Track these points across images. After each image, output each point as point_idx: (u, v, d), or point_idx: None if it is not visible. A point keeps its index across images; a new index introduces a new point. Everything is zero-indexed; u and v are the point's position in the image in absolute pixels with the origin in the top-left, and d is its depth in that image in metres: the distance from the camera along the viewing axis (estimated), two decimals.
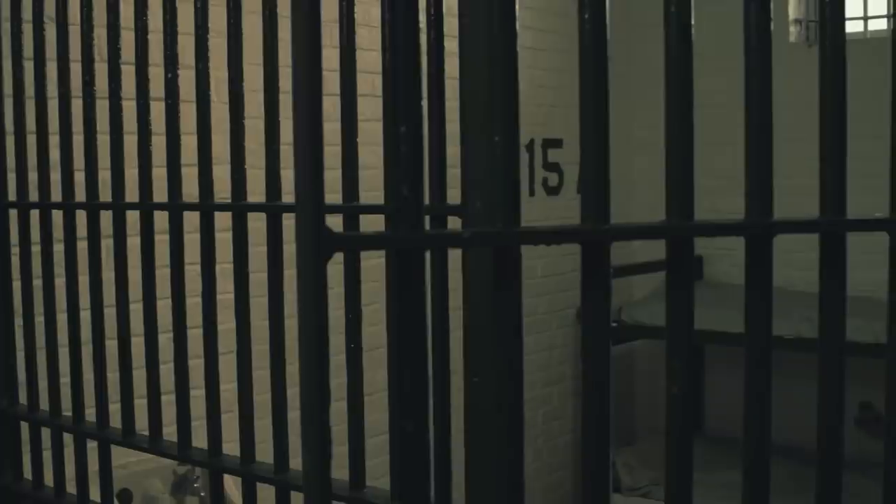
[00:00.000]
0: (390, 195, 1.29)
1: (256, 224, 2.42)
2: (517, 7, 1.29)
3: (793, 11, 6.83)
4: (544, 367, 6.72)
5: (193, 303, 2.51)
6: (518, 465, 1.35)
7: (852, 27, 6.89)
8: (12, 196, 2.91)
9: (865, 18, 6.80)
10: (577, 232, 1.36)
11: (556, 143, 6.63)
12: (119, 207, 2.64)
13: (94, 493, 2.76)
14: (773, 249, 1.47)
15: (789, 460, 5.20)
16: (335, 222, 2.18)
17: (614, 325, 6.27)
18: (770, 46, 1.45)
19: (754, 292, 1.47)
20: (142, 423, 2.65)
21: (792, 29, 6.81)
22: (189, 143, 2.47)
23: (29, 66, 2.77)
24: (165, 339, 2.56)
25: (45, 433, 2.87)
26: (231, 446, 2.50)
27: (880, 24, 6.61)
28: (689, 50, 1.40)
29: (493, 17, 1.28)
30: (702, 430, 7.20)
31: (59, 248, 2.78)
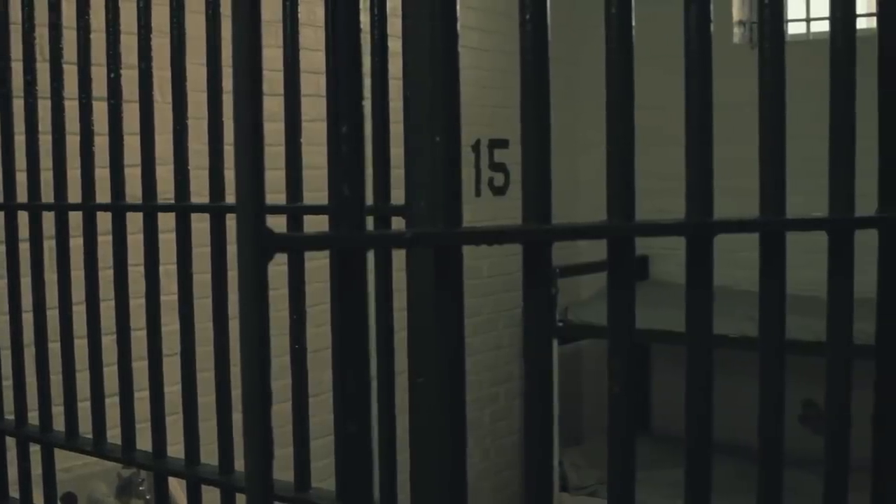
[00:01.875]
0: (332, 195, 1.29)
1: (200, 225, 2.40)
2: (458, 8, 1.29)
3: (737, 13, 6.89)
4: (491, 367, 6.74)
5: (137, 304, 2.49)
6: (461, 464, 1.35)
7: (795, 28, 6.96)
8: None
9: (808, 20, 6.87)
10: (519, 232, 1.36)
11: (502, 144, 6.65)
12: (61, 208, 2.61)
13: (38, 497, 2.74)
14: (713, 249, 1.48)
15: (737, 459, 5.25)
16: (279, 223, 2.18)
17: (561, 324, 6.32)
18: (710, 47, 1.46)
19: (695, 291, 1.48)
20: (85, 426, 2.63)
21: (736, 30, 6.86)
22: (132, 144, 2.46)
23: None
24: (109, 341, 2.54)
25: None
26: (176, 448, 2.49)
27: (823, 26, 6.68)
28: (629, 51, 1.41)
29: (434, 18, 1.28)
30: (648, 430, 7.24)
31: None
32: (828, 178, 1.58)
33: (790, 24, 6.94)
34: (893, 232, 1.58)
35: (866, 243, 1.63)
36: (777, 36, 1.52)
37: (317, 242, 1.33)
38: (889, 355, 1.59)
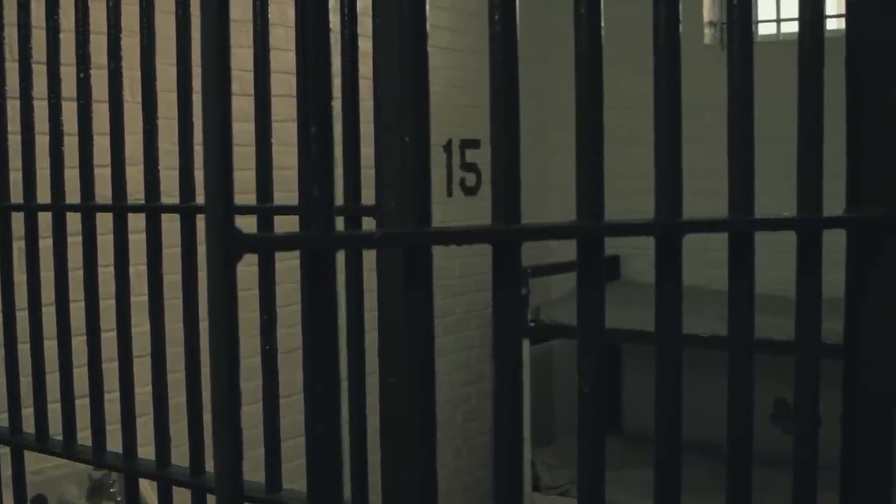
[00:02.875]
0: (302, 196, 1.29)
1: (171, 225, 2.40)
2: (428, 8, 1.29)
3: (707, 14, 6.91)
4: (463, 367, 6.74)
5: (107, 305, 2.48)
6: (431, 464, 1.35)
7: (765, 29, 6.99)
8: None
9: (778, 21, 6.90)
10: (488, 232, 1.36)
11: (473, 144, 6.65)
12: (30, 209, 2.60)
13: (8, 499, 2.72)
14: (682, 249, 1.48)
15: (708, 458, 5.26)
16: (250, 223, 2.18)
17: (532, 324, 6.32)
18: (679, 47, 1.47)
19: (664, 291, 1.49)
20: (56, 428, 2.62)
21: (707, 31, 6.89)
22: (102, 144, 2.45)
23: None
24: (79, 342, 2.53)
25: None
26: (147, 450, 2.48)
27: (794, 27, 6.70)
28: (598, 51, 1.41)
29: (403, 19, 1.28)
30: (620, 429, 7.26)
31: None
32: (796, 178, 1.59)
33: (761, 25, 6.97)
34: (861, 232, 1.59)
35: (836, 243, 1.64)
36: (745, 37, 1.53)
37: (286, 243, 1.32)
38: (857, 354, 1.60)
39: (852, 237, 1.60)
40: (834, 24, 6.35)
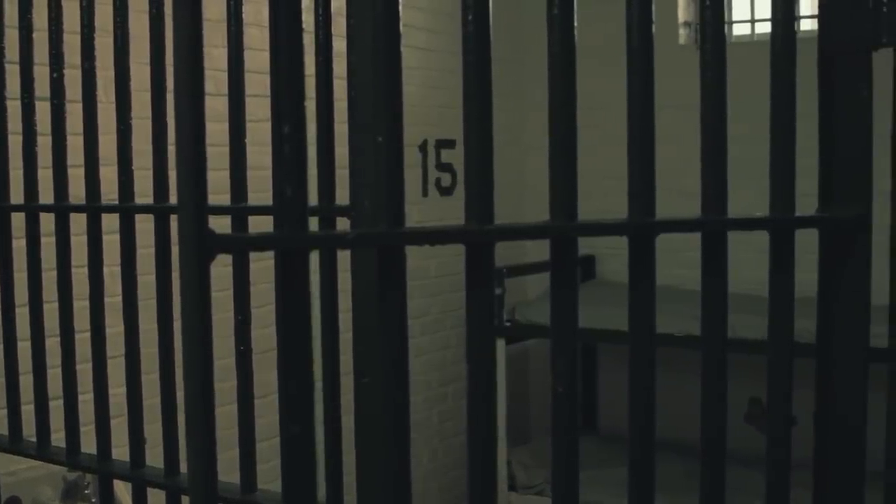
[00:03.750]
0: (276, 196, 1.29)
1: (145, 226, 2.39)
2: (401, 9, 1.29)
3: (682, 14, 6.93)
4: (438, 366, 6.74)
5: (81, 306, 2.47)
6: (405, 464, 1.35)
7: (740, 30, 7.01)
8: None
9: (753, 21, 6.93)
10: (461, 232, 1.37)
11: (449, 144, 6.65)
12: (3, 210, 2.59)
13: None
14: (655, 248, 1.49)
15: (684, 457, 5.28)
16: (224, 223, 2.17)
17: (508, 324, 6.33)
18: (652, 48, 1.47)
19: (638, 290, 1.49)
20: (29, 429, 2.60)
21: (682, 31, 6.90)
22: (76, 144, 2.44)
23: None
24: (53, 343, 2.52)
25: None
26: (121, 451, 2.47)
27: (768, 27, 6.72)
28: (571, 51, 1.42)
29: (377, 19, 1.28)
30: (595, 429, 7.27)
31: None
32: (768, 178, 1.59)
33: (736, 26, 6.99)
34: (833, 231, 1.60)
35: (810, 242, 1.65)
36: (718, 37, 1.54)
37: (259, 243, 1.32)
38: (829, 353, 1.61)
39: (825, 237, 1.61)
40: (808, 25, 6.38)
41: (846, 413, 1.60)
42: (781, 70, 1.57)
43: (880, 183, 1.60)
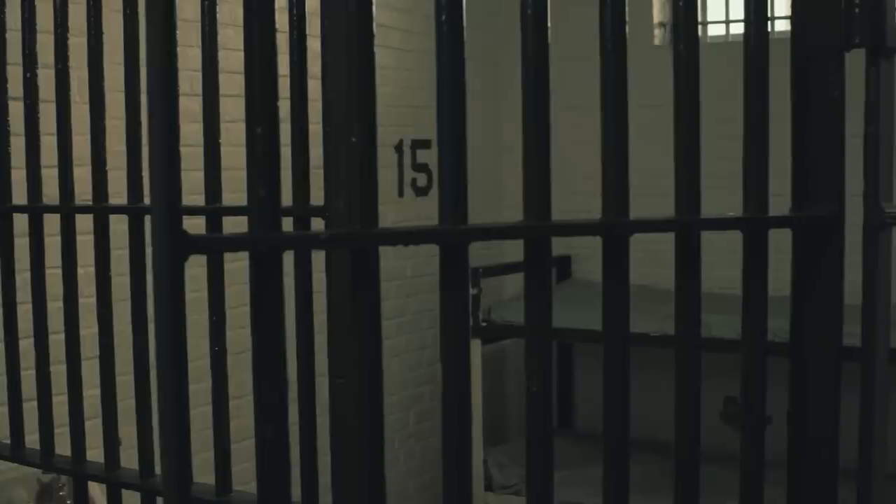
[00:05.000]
0: (249, 196, 1.29)
1: (119, 226, 2.38)
2: (374, 8, 1.29)
3: (657, 15, 6.94)
4: (415, 367, 6.73)
5: (55, 307, 2.46)
6: (379, 464, 1.36)
7: (715, 31, 7.03)
8: None
9: (727, 22, 6.95)
10: (435, 233, 1.37)
11: (425, 144, 6.64)
12: None
13: None
14: (629, 248, 1.49)
15: (661, 456, 5.29)
16: (199, 224, 2.17)
17: (484, 324, 6.33)
18: (625, 48, 1.48)
19: (612, 290, 1.50)
20: (3, 431, 2.59)
21: (657, 32, 6.92)
22: (49, 144, 2.42)
23: None
24: (27, 345, 2.50)
25: None
26: (96, 453, 2.46)
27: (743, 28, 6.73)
28: (544, 51, 1.42)
29: (350, 19, 1.28)
30: (572, 428, 7.28)
31: None
32: (742, 178, 1.60)
33: (711, 27, 7.01)
34: (806, 231, 1.61)
35: (782, 242, 1.66)
36: (691, 37, 1.54)
37: (232, 244, 1.32)
38: (802, 352, 1.62)
39: (798, 236, 1.62)
40: (783, 26, 6.40)
41: (819, 411, 1.61)
42: (754, 71, 1.58)
43: (853, 183, 1.61)
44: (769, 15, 1.61)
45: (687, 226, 1.54)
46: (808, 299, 1.61)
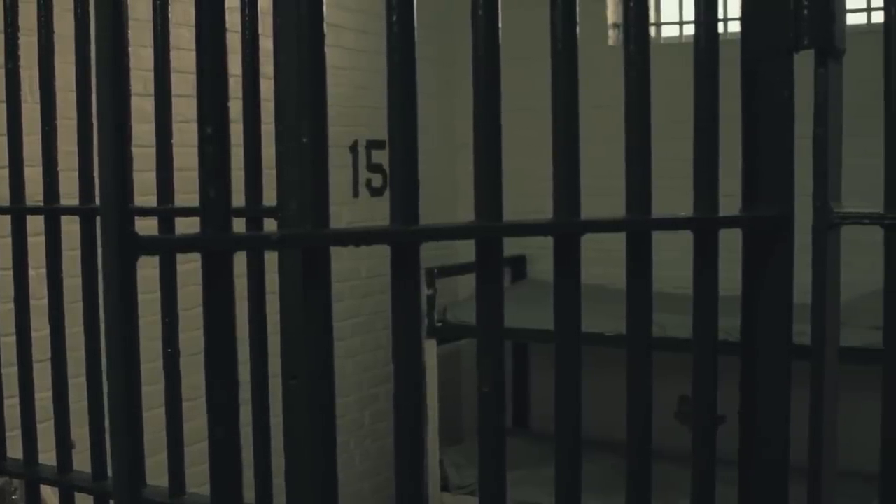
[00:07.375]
0: (200, 197, 1.28)
1: (71, 227, 2.36)
2: (325, 9, 1.29)
3: (611, 15, 6.97)
4: (371, 367, 6.73)
5: (6, 309, 2.44)
6: (332, 464, 1.35)
7: (669, 32, 7.08)
8: None
9: (681, 23, 6.99)
10: (386, 233, 1.37)
11: (379, 145, 6.64)
12: None
13: None
14: (580, 248, 1.50)
15: (614, 455, 5.31)
16: (151, 225, 2.15)
17: (440, 325, 6.33)
18: (576, 49, 1.48)
19: (563, 290, 1.50)
20: None
21: (611, 33, 6.94)
22: (0, 144, 2.41)
23: None
24: None
25: None
26: (48, 455, 2.44)
27: None
28: (495, 51, 1.42)
29: (301, 19, 1.28)
30: (527, 428, 7.30)
31: None
32: (692, 178, 1.61)
33: (665, 28, 7.05)
34: (756, 231, 1.62)
35: (733, 241, 1.67)
36: (642, 37, 1.55)
37: (183, 244, 1.32)
38: (753, 351, 1.63)
39: (748, 236, 1.63)
40: (737, 27, 6.43)
41: (770, 410, 1.62)
42: (704, 71, 1.59)
43: (802, 183, 1.62)
44: (721, 16, 1.62)
45: (637, 226, 1.54)
46: (758, 298, 1.62)
